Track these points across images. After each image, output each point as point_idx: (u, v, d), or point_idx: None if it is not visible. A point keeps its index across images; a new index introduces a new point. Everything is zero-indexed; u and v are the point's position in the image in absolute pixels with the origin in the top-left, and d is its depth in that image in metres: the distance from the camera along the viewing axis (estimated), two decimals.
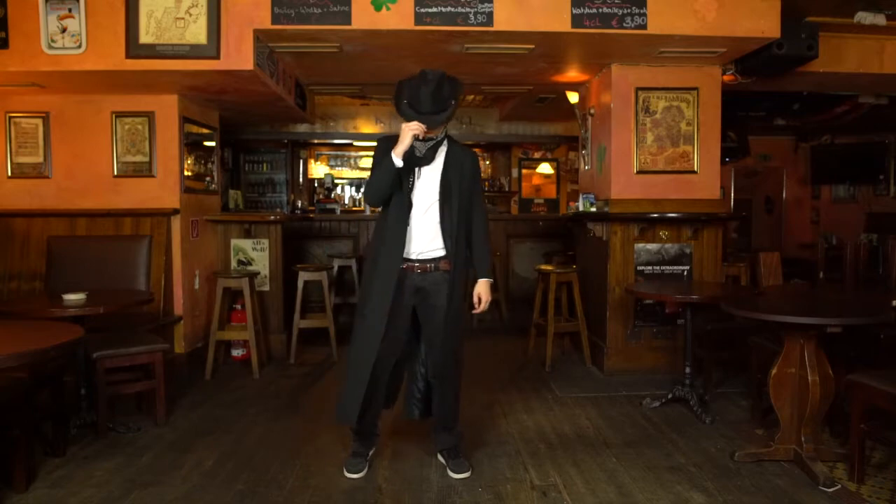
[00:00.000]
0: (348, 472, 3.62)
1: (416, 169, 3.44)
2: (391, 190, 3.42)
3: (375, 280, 3.49)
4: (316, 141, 10.88)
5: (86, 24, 4.78)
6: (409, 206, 3.43)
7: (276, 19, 4.75)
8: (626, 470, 3.71)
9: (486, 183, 12.00)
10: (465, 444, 3.82)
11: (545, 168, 11.85)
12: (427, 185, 3.46)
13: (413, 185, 3.44)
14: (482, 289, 3.64)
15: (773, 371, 3.70)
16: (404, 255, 3.46)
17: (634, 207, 5.70)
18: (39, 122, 5.80)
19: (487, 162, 12.30)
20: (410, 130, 3.27)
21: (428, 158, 3.44)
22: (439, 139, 3.47)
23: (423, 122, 3.29)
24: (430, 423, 3.81)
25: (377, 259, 3.52)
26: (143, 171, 5.82)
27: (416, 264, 3.48)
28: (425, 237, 3.46)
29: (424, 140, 3.41)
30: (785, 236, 11.51)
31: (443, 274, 3.49)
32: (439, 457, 3.77)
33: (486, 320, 7.99)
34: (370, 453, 3.75)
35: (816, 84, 6.65)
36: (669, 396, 4.77)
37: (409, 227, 3.45)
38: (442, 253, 3.48)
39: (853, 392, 3.53)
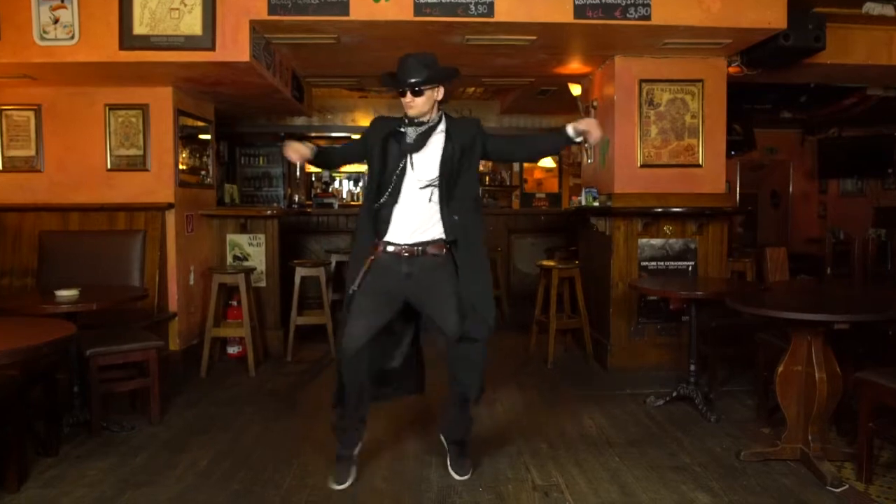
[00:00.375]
0: (335, 482, 3.48)
1: (409, 155, 3.39)
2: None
3: (352, 266, 3.51)
4: (313, 134, 10.84)
5: (78, 14, 4.76)
6: (399, 192, 3.40)
7: (272, 10, 4.73)
8: (630, 469, 3.70)
9: (488, 177, 11.99)
10: (471, 444, 3.79)
11: (547, 162, 11.82)
12: (422, 170, 3.39)
13: (404, 171, 3.38)
14: (585, 122, 3.42)
15: (780, 368, 3.69)
16: (394, 241, 3.41)
17: (638, 202, 5.69)
18: (31, 114, 5.77)
19: None
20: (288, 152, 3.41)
21: (418, 145, 3.38)
22: (432, 123, 3.41)
23: (395, 84, 3.35)
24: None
25: (357, 244, 3.59)
26: (136, 164, 5.80)
27: (405, 248, 3.41)
28: (417, 222, 3.40)
29: (415, 125, 3.39)
30: (791, 231, 11.50)
31: (432, 258, 3.42)
32: (443, 439, 3.68)
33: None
34: (355, 452, 3.55)
35: (824, 76, 6.63)
36: (674, 394, 4.76)
37: (398, 213, 3.41)
38: (434, 236, 3.42)
39: (861, 390, 3.52)
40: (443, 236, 3.43)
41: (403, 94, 3.35)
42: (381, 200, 3.40)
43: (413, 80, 3.30)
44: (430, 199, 3.41)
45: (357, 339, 3.34)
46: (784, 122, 10.03)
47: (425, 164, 3.40)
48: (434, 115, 3.43)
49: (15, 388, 3.48)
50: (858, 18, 5.60)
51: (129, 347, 4.36)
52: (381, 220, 3.42)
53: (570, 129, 3.41)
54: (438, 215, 3.42)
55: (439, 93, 3.41)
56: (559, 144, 3.64)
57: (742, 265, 6.17)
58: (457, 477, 3.58)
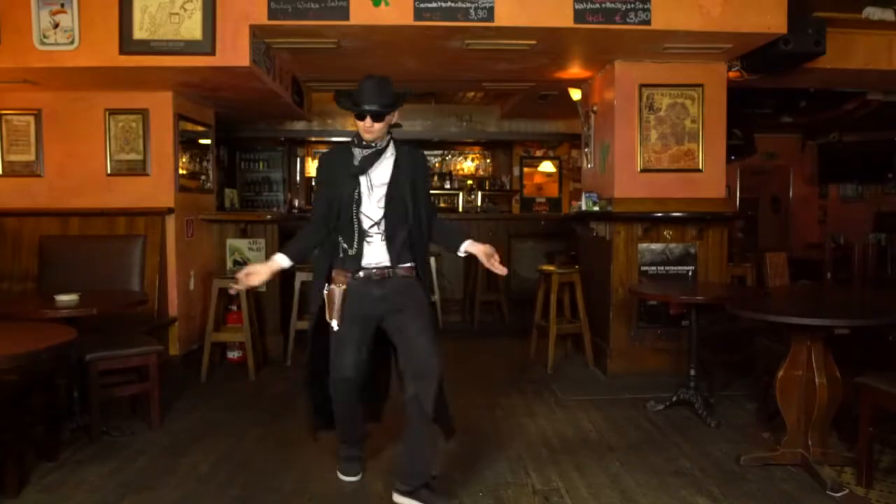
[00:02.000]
0: (345, 475, 3.65)
1: (360, 178, 3.33)
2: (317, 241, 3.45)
3: (317, 294, 3.45)
4: (313, 139, 10.88)
5: (79, 19, 4.79)
6: (356, 216, 3.34)
7: (272, 15, 4.75)
8: (630, 474, 3.71)
9: (488, 182, 12.01)
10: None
11: (547, 166, 11.85)
12: (375, 193, 3.35)
13: (359, 194, 3.32)
14: (479, 247, 3.39)
15: (780, 373, 3.70)
16: (362, 265, 3.35)
17: (638, 206, 5.70)
18: (31, 119, 5.79)
19: (488, 160, 12.29)
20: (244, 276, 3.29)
21: (363, 168, 3.32)
22: (380, 147, 3.35)
23: (355, 107, 3.26)
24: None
25: (318, 270, 3.49)
26: (136, 169, 5.82)
27: (374, 271, 3.35)
28: (378, 246, 3.37)
29: (363, 147, 3.34)
30: (792, 236, 11.51)
31: (402, 280, 3.39)
32: (402, 495, 3.35)
33: (487, 322, 8.00)
34: (361, 453, 3.75)
35: (824, 81, 6.65)
36: (674, 399, 4.77)
37: (359, 239, 3.35)
38: (404, 262, 3.40)
39: (861, 395, 3.52)
40: (410, 263, 3.42)
41: (362, 118, 3.26)
42: (340, 224, 3.35)
43: (376, 108, 3.24)
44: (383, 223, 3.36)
45: (350, 367, 3.32)
46: (784, 127, 10.04)
47: (377, 188, 3.36)
48: (384, 140, 3.38)
49: (15, 393, 3.50)
50: (858, 23, 5.62)
51: (129, 352, 4.38)
52: (341, 245, 3.37)
53: (463, 247, 3.41)
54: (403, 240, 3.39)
55: (394, 117, 3.37)
56: (453, 247, 3.49)
57: (742, 270, 6.17)
58: None
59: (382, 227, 3.35)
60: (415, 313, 3.38)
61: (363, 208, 3.34)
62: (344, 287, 3.34)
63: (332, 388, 3.42)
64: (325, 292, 3.36)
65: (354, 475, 3.64)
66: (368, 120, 3.25)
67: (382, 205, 3.34)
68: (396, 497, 3.35)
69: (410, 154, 3.47)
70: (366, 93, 3.26)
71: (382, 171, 3.37)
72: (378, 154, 3.34)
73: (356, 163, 3.33)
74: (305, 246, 3.50)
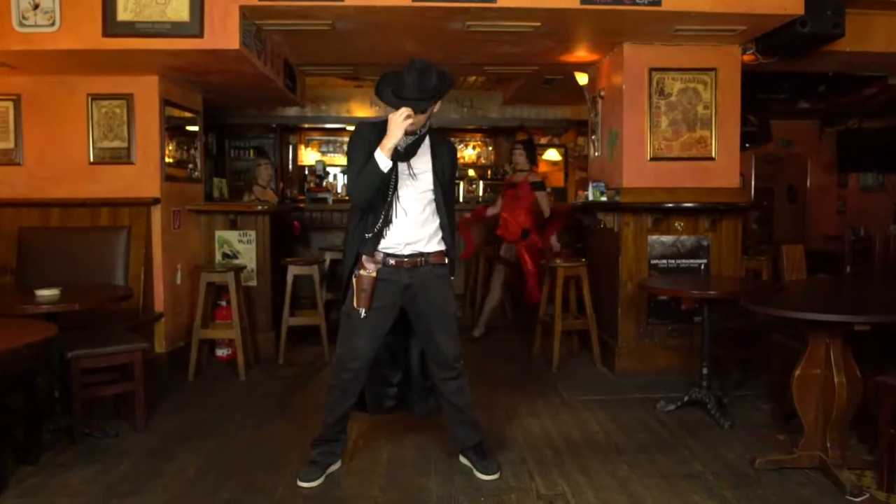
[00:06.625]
0: (303, 479, 3.61)
1: (401, 164, 3.43)
2: (380, 191, 3.39)
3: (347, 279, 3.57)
4: (306, 125, 10.87)
5: None
6: (392, 203, 3.44)
7: None
8: (639, 478, 3.70)
9: (489, 170, 11.99)
10: (489, 443, 3.88)
11: (552, 154, 11.81)
12: (416, 179, 3.47)
13: (397, 181, 3.43)
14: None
15: (797, 372, 3.69)
16: (393, 252, 3.48)
17: (648, 196, 5.69)
18: (10, 105, 5.76)
19: (490, 148, 12.27)
20: (402, 120, 3.22)
21: (409, 154, 3.43)
22: (422, 133, 3.46)
23: (408, 107, 3.25)
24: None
25: (349, 254, 3.57)
26: (121, 157, 5.80)
27: (406, 259, 3.49)
28: (414, 232, 3.48)
29: (406, 134, 3.36)
30: (809, 227, 11.48)
31: (432, 269, 3.54)
32: (463, 459, 3.81)
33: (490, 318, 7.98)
34: (332, 466, 3.75)
35: (843, 64, 6.62)
36: (685, 399, 4.76)
37: (394, 224, 3.46)
38: (435, 247, 3.55)
39: (882, 394, 3.52)
40: (443, 247, 3.57)
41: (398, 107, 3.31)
42: (380, 210, 3.44)
43: (423, 104, 3.29)
44: (426, 210, 3.50)
45: (362, 356, 3.51)
46: (801, 113, 10.02)
47: (420, 173, 3.48)
48: (425, 128, 3.48)
49: None
50: (879, 4, 5.61)
51: (113, 350, 4.36)
52: (377, 230, 3.45)
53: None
54: (437, 225, 3.54)
55: (437, 106, 3.43)
56: None
57: (757, 263, 6.16)
58: (484, 478, 3.66)
59: (419, 212, 3.48)
60: (438, 310, 3.57)
61: (402, 193, 3.45)
62: (374, 274, 3.46)
63: (339, 373, 3.58)
64: (354, 278, 3.47)
65: (316, 480, 3.62)
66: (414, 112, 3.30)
67: (421, 191, 3.48)
68: (461, 456, 3.82)
69: (444, 143, 3.64)
70: (408, 87, 3.29)
71: (423, 158, 3.50)
72: (419, 141, 3.47)
73: (399, 149, 3.37)
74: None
